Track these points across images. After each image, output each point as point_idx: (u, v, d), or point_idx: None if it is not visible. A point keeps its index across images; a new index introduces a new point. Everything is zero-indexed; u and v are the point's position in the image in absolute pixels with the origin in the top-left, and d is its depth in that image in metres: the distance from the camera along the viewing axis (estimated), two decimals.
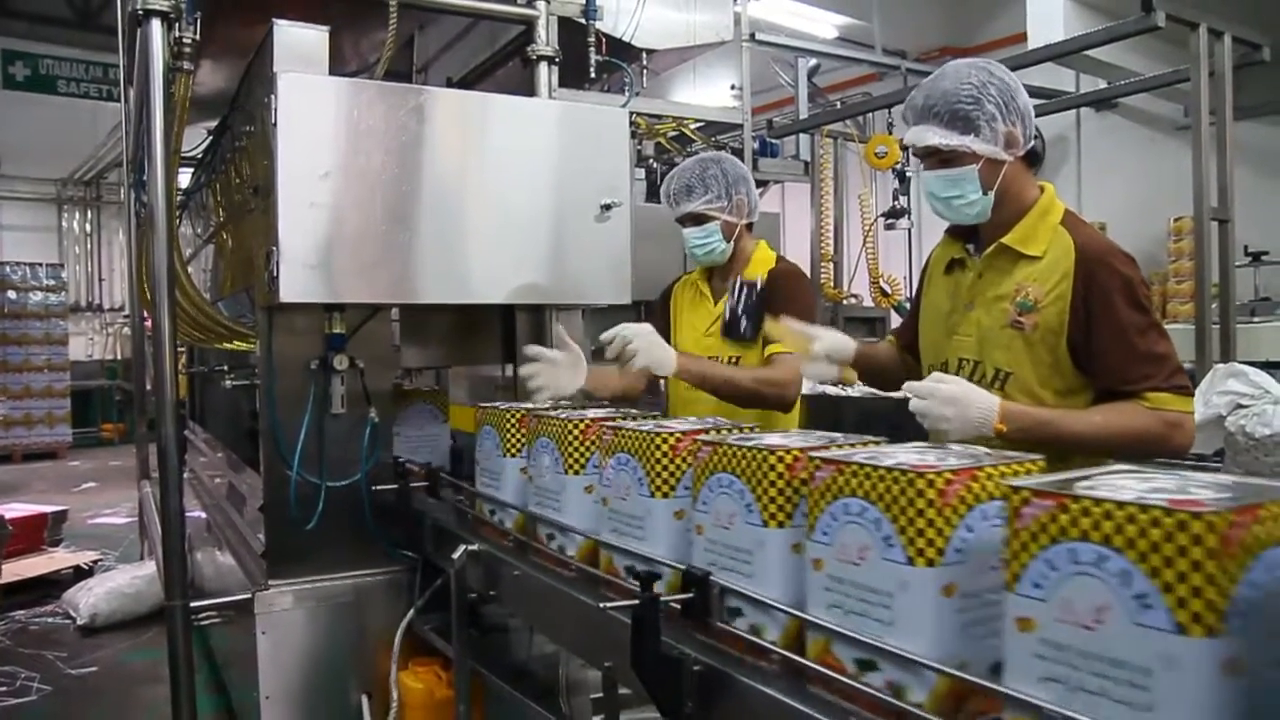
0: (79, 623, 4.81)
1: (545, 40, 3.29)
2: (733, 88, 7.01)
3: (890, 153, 6.44)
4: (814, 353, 2.08)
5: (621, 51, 3.91)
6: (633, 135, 5.35)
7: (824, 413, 4.58)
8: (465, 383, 3.83)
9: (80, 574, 5.57)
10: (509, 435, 2.16)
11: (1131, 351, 1.71)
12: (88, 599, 4.86)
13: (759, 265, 2.68)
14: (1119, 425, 1.68)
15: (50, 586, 5.42)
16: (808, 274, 3.28)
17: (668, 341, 2.67)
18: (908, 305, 6.61)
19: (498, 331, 3.19)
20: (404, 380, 3.32)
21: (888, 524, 1.14)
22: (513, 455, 2.14)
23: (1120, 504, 0.91)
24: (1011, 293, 1.80)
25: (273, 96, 2.40)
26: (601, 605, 1.51)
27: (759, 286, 2.62)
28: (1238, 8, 4.99)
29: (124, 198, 6.87)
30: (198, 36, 2.72)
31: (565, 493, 1.88)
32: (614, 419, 1.85)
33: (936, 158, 1.80)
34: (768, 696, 1.26)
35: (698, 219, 2.63)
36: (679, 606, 1.45)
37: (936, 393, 1.65)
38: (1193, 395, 1.73)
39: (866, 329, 7.60)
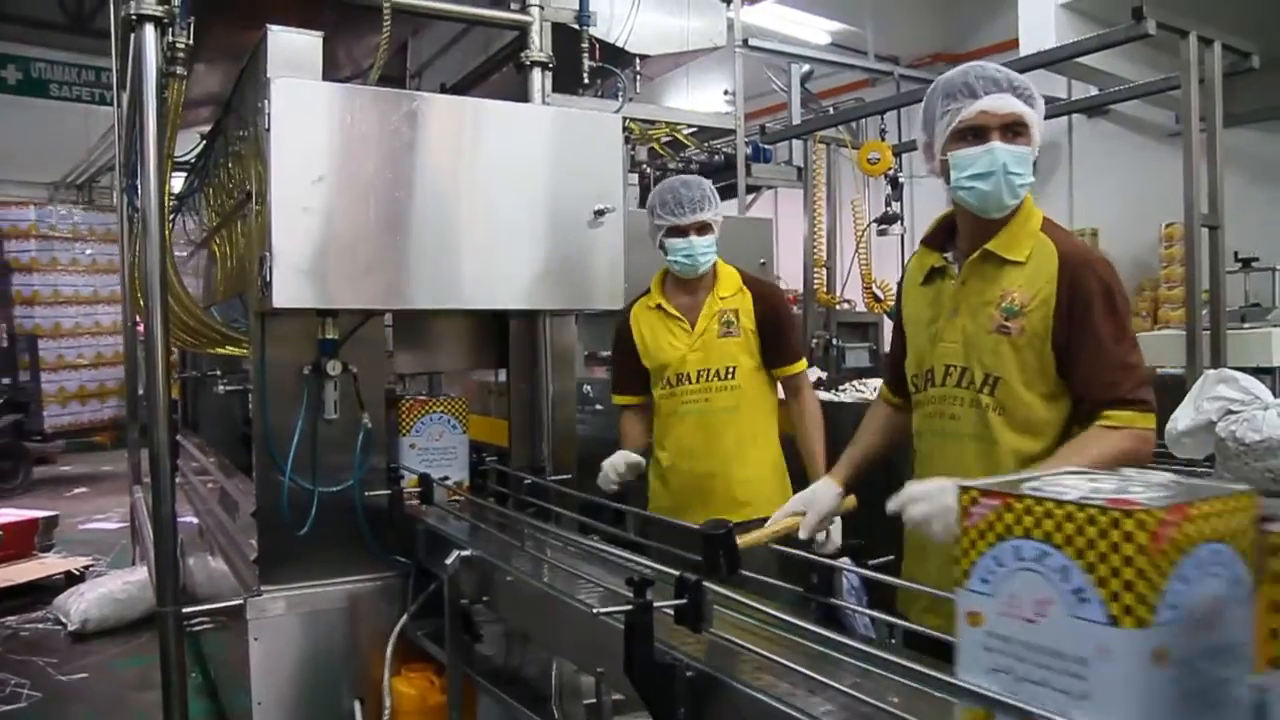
0: (70, 629, 4.79)
1: (539, 46, 3.30)
2: (726, 93, 7.02)
3: (883, 159, 6.45)
4: (809, 526, 2.01)
5: (615, 57, 3.92)
6: (626, 140, 5.35)
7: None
8: (459, 388, 3.83)
9: (71, 579, 5.55)
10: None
11: (1106, 359, 1.74)
12: (79, 605, 4.84)
13: (729, 278, 2.85)
14: (1101, 457, 1.68)
15: (41, 592, 5.40)
16: (784, 283, 3.44)
17: (639, 368, 2.86)
18: None
19: (491, 337, 3.19)
20: (397, 385, 3.31)
21: (1079, 573, 0.96)
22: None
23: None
24: (997, 298, 1.82)
25: (266, 101, 2.40)
26: (595, 611, 1.51)
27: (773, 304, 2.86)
28: (1228, 16, 5.02)
29: (116, 202, 6.85)
30: (191, 41, 2.72)
31: None
32: None
33: (1009, 132, 1.80)
34: (760, 701, 1.26)
35: (704, 228, 2.74)
36: (672, 613, 1.45)
37: (929, 495, 1.62)
38: (1154, 409, 1.75)
39: (859, 334, 7.62)
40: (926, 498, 1.62)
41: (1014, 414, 1.79)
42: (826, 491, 2.06)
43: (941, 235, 1.96)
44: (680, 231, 2.73)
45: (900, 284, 2.12)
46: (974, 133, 1.79)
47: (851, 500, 2.07)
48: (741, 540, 1.82)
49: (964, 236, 1.90)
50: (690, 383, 2.77)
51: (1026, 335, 1.78)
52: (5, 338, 10.04)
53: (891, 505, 1.65)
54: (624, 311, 2.91)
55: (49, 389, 10.88)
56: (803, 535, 1.99)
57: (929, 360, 1.92)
